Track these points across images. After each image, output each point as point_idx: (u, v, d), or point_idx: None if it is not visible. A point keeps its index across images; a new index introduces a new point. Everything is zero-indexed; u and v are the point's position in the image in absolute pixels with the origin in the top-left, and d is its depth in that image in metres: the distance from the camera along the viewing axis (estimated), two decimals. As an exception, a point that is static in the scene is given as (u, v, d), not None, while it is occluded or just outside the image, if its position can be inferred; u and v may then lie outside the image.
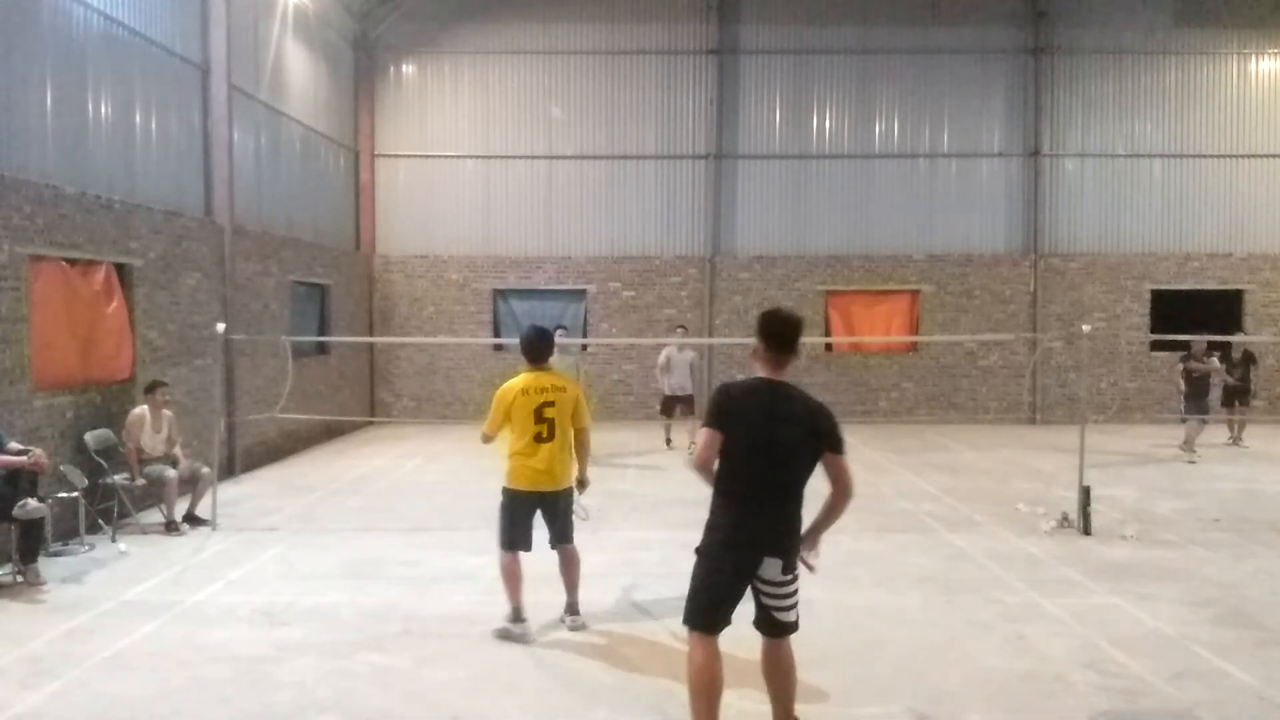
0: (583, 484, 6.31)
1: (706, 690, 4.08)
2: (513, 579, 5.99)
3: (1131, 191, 18.10)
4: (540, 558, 6.17)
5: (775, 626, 4.21)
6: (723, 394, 4.15)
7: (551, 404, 5.97)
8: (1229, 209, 18.02)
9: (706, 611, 4.10)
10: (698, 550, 4.18)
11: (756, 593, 4.16)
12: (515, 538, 6.06)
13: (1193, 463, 12.79)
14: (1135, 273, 18.03)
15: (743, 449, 4.04)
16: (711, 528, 4.14)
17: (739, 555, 4.07)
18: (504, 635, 5.88)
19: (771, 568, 4.07)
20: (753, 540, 4.06)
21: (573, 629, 6.01)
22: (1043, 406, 18.02)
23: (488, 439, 6.16)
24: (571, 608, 6.17)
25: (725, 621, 4.15)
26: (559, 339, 13.95)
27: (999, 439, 15.64)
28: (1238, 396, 14.27)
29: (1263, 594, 6.94)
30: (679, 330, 15.39)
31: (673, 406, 14.03)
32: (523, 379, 6.07)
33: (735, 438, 4.03)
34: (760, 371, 4.17)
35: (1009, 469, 12.68)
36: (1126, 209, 18.11)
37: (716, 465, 4.12)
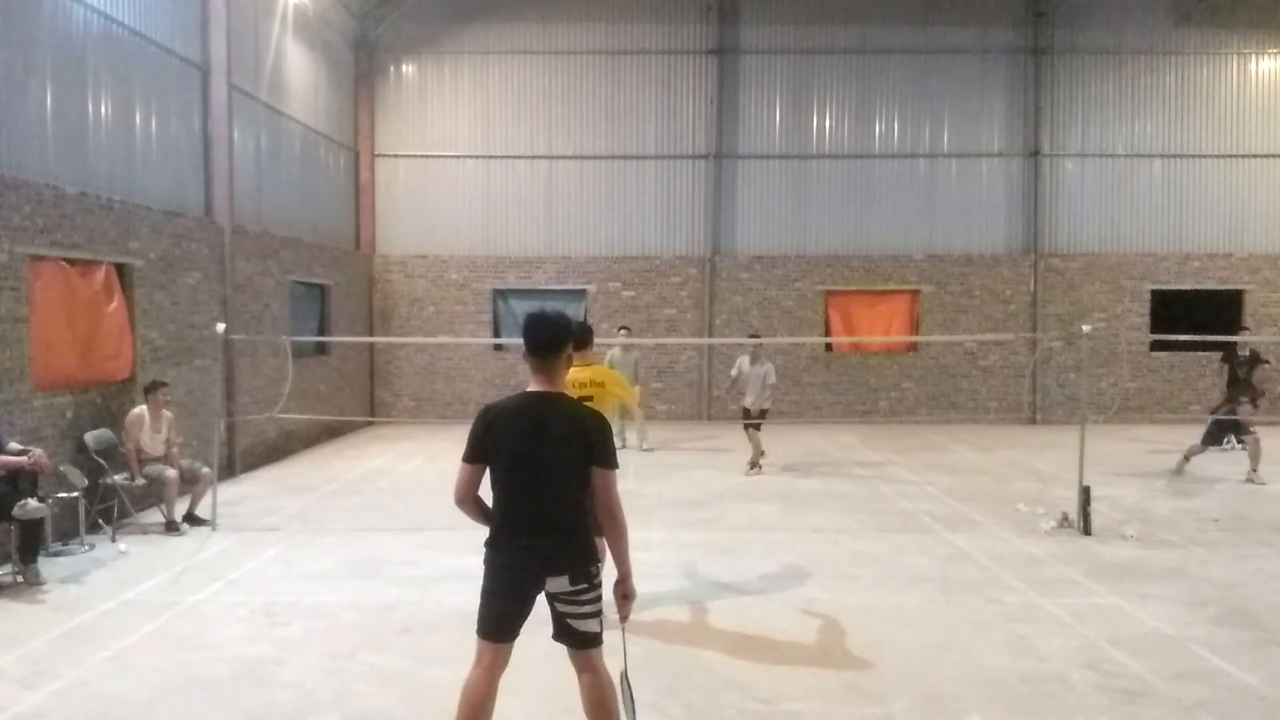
0: None
1: (472, 710, 3.86)
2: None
3: (1131, 191, 18.10)
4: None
5: (574, 636, 3.93)
6: (482, 419, 3.88)
7: (589, 399, 6.01)
8: (1229, 209, 18.01)
9: (488, 624, 3.91)
10: (485, 560, 3.97)
11: (550, 601, 3.92)
12: None
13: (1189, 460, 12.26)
14: (1135, 273, 18.03)
15: (511, 472, 3.83)
16: (492, 546, 3.94)
17: (519, 577, 3.88)
18: None
19: (557, 584, 3.86)
20: (534, 563, 3.84)
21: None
22: (1043, 406, 18.02)
23: None
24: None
25: (511, 634, 3.94)
26: (622, 339, 13.94)
27: (999, 439, 15.64)
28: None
29: (1263, 594, 6.94)
30: (752, 339, 13.04)
31: (749, 417, 12.35)
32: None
33: (500, 463, 3.84)
34: (532, 384, 3.93)
35: (1009, 469, 12.68)
36: (1126, 209, 18.11)
37: (494, 492, 3.91)
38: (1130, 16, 17.88)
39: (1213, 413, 12.09)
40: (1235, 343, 13.21)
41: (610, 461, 3.87)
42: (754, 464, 12.35)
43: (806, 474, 12.30)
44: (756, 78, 18.04)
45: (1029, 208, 18.07)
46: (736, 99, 18.03)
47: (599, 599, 3.94)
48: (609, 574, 4.01)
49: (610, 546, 3.97)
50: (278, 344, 12.57)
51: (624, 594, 3.97)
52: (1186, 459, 12.01)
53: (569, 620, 3.90)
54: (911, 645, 5.86)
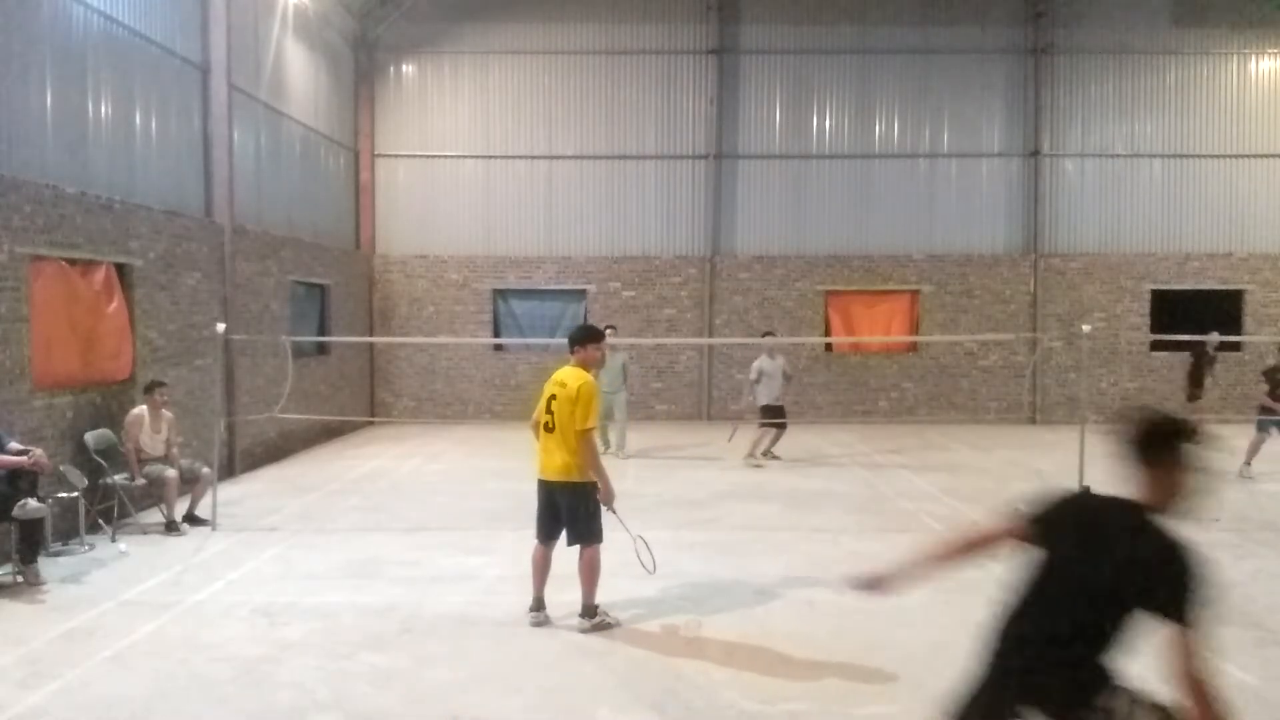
0: (606, 496, 6.15)
1: None
2: (534, 567, 6.22)
3: (1131, 191, 18.10)
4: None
5: None
6: (1063, 501, 3.28)
7: (554, 397, 6.11)
8: (1229, 209, 18.01)
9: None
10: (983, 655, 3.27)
11: None
12: (537, 526, 6.27)
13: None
14: (1135, 273, 18.03)
15: (1052, 571, 3.15)
16: (1000, 654, 3.25)
17: (995, 696, 3.20)
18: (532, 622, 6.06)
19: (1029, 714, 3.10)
20: (1016, 690, 3.15)
21: (579, 630, 5.96)
22: (1043, 406, 18.02)
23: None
24: (585, 610, 6.06)
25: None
26: (608, 339, 13.78)
27: (999, 439, 15.64)
28: None
29: (1263, 594, 6.94)
30: (767, 336, 13.60)
31: (774, 413, 12.76)
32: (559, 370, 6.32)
33: (1051, 557, 3.16)
34: (1135, 489, 3.10)
35: (1009, 469, 12.68)
36: (1126, 209, 18.11)
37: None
38: (1130, 16, 17.88)
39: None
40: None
41: (1198, 618, 2.75)
42: (764, 451, 12.79)
43: (807, 474, 12.30)
44: (756, 78, 18.04)
45: (1029, 208, 18.07)
46: (736, 99, 18.03)
47: None
48: None
49: None
50: (278, 344, 12.56)
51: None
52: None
53: None
54: (911, 645, 5.86)
